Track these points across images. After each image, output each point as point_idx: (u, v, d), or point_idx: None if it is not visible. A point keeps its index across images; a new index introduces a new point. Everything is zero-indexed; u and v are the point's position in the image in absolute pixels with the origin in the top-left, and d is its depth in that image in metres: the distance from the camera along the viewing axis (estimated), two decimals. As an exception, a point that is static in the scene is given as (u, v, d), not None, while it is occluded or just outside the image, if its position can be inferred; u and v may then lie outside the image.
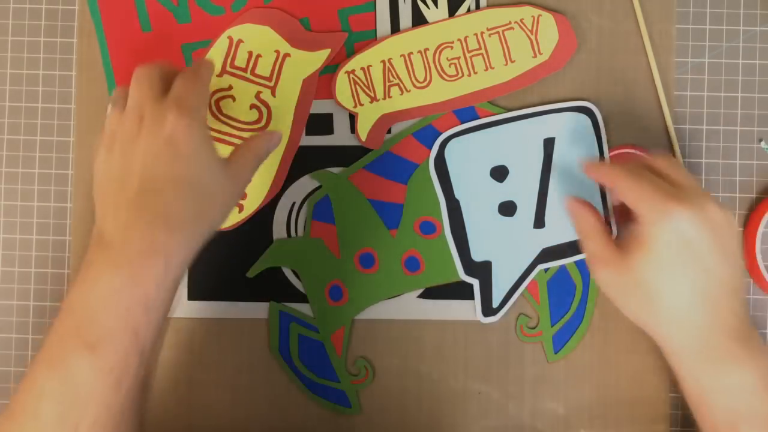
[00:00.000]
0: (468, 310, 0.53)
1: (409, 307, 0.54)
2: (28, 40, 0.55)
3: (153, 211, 0.42)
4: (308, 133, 0.54)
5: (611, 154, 0.53)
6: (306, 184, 0.54)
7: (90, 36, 0.55)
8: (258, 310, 0.54)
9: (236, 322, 0.54)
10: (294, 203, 0.54)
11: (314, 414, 0.53)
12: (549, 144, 0.53)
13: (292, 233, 0.54)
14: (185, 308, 0.54)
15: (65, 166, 0.55)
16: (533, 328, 0.53)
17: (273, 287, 0.54)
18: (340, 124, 0.54)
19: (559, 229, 0.53)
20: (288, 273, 0.54)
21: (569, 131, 0.53)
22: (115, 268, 0.41)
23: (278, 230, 0.54)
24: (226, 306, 0.54)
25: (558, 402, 0.53)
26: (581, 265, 0.53)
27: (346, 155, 0.54)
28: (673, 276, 0.44)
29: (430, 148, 0.53)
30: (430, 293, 0.54)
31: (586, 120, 0.53)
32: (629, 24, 0.54)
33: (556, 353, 0.53)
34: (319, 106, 0.54)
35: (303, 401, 0.53)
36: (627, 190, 0.45)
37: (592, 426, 0.53)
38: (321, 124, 0.54)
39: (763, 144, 0.54)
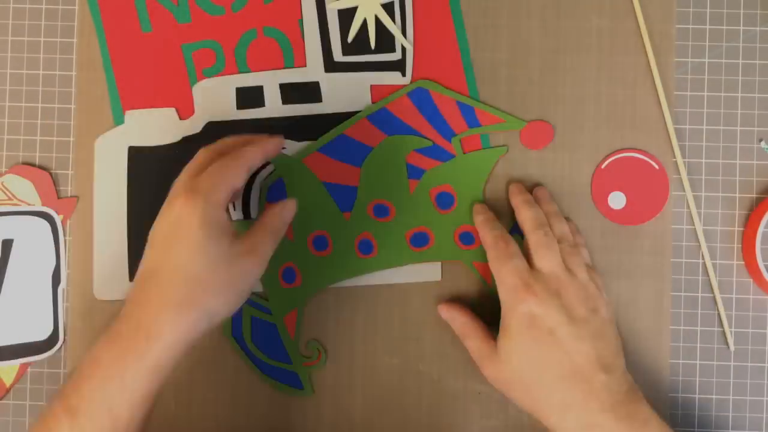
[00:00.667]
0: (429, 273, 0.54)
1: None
2: (28, 40, 0.55)
3: (146, 293, 0.43)
4: (239, 107, 0.54)
5: (613, 158, 0.54)
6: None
7: (90, 36, 0.55)
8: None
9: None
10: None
11: (266, 395, 0.53)
12: (7, 246, 0.53)
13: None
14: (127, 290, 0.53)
15: (65, 166, 0.55)
16: None
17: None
18: (271, 96, 0.54)
19: None
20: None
21: (29, 234, 0.53)
22: (105, 342, 0.43)
23: (234, 213, 0.54)
24: None
25: (558, 402, 0.53)
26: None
27: (278, 128, 0.53)
28: (530, 357, 0.47)
29: (384, 131, 0.53)
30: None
31: (45, 225, 0.53)
32: (629, 24, 0.54)
33: None
34: (248, 79, 0.54)
35: (255, 382, 0.53)
36: (494, 274, 0.49)
37: (592, 426, 0.53)
38: (251, 97, 0.54)
39: (763, 144, 0.54)
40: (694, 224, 0.54)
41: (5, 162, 0.55)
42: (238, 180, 0.45)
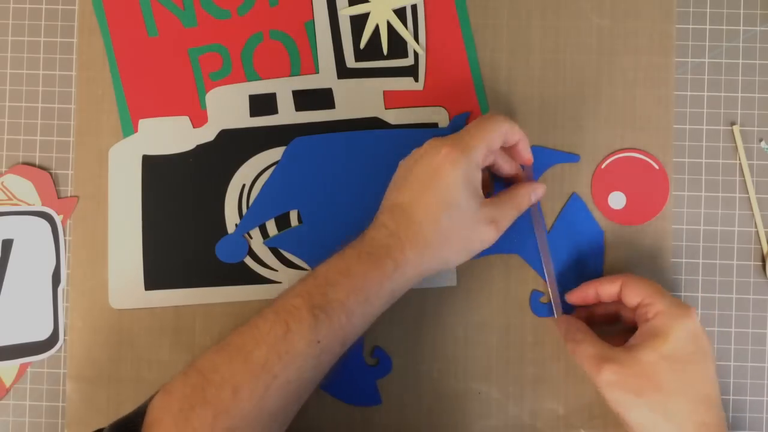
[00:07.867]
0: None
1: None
2: (28, 40, 0.55)
3: (397, 225, 0.47)
4: (252, 115, 0.54)
5: (613, 158, 0.54)
6: (254, 165, 0.54)
7: (90, 35, 0.55)
8: (218, 294, 0.54)
9: (190, 309, 0.54)
10: (244, 185, 0.54)
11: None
12: (7, 246, 0.53)
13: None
14: (143, 299, 0.54)
15: (65, 166, 0.55)
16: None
17: (232, 272, 0.54)
18: (284, 103, 0.54)
19: None
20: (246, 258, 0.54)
21: (29, 234, 0.53)
22: (355, 258, 0.46)
23: (230, 214, 0.54)
24: (184, 293, 0.54)
25: (558, 402, 0.53)
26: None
27: (291, 135, 0.54)
28: (685, 370, 0.45)
29: None
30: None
31: (45, 225, 0.53)
32: (629, 24, 0.54)
33: None
34: (261, 87, 0.54)
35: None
36: (645, 286, 0.48)
37: (591, 426, 0.53)
38: (264, 104, 0.54)
39: (763, 144, 0.54)
40: (756, 226, 0.54)
41: (5, 162, 0.55)
42: (496, 141, 0.48)
